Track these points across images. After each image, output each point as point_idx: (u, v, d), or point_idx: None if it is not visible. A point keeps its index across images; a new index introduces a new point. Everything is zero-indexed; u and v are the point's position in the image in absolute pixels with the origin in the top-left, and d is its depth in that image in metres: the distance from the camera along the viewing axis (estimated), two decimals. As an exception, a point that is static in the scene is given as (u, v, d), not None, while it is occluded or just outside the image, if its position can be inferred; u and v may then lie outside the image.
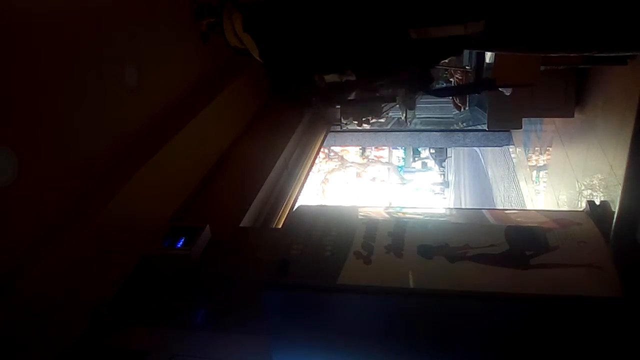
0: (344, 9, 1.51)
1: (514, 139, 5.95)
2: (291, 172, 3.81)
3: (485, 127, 4.64)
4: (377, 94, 2.60)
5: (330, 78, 1.63)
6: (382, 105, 3.97)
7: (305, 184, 4.17)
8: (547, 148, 4.76)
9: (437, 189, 20.90)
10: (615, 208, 1.60)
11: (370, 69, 1.68)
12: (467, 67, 3.59)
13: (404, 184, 19.47)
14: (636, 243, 1.50)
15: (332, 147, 12.31)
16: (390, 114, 5.10)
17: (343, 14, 1.51)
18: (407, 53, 1.56)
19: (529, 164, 5.52)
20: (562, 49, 1.66)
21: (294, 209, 2.09)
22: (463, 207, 13.97)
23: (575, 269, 1.52)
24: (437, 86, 4.14)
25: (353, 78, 1.63)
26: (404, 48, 1.52)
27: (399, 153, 20.40)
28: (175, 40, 2.83)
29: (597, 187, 3.38)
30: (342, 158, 15.28)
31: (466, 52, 3.34)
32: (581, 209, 1.82)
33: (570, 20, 1.38)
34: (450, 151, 17.39)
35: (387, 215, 1.97)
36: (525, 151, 5.68)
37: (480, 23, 1.39)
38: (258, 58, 1.80)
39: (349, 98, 2.06)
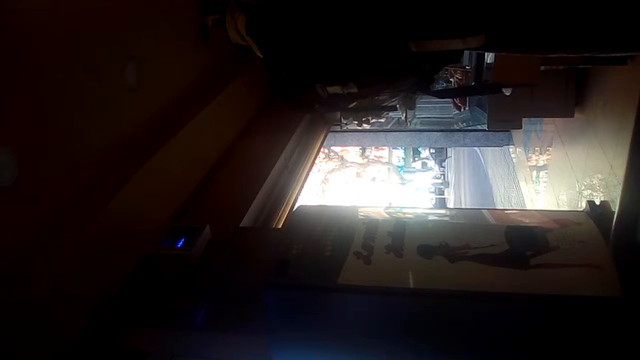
0: (345, 21, 1.51)
1: (514, 139, 5.96)
2: (291, 172, 3.81)
3: (485, 127, 4.65)
4: (377, 99, 2.60)
5: (332, 89, 1.63)
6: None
7: (305, 184, 4.18)
8: (547, 148, 4.77)
9: (437, 188, 20.90)
10: (615, 208, 1.60)
11: (371, 81, 1.69)
12: (467, 67, 3.60)
13: (404, 184, 19.45)
14: (636, 243, 1.50)
15: (332, 147, 12.31)
16: (390, 114, 5.11)
17: (344, 26, 1.51)
18: (407, 64, 1.57)
19: (529, 164, 5.52)
20: (563, 50, 1.66)
21: (294, 209, 2.09)
22: (463, 207, 13.97)
23: (575, 269, 1.52)
24: (438, 87, 4.15)
25: (355, 90, 1.63)
26: (404, 60, 1.53)
27: (399, 153, 20.39)
28: (176, 40, 2.83)
29: (597, 187, 3.38)
30: (342, 158, 15.27)
31: (466, 52, 3.34)
32: (581, 209, 1.82)
33: (570, 22, 1.38)
34: (450, 151, 17.39)
35: (387, 215, 1.97)
36: (525, 151, 5.69)
37: (480, 37, 1.39)
38: (260, 56, 1.80)
39: (350, 106, 2.08)
